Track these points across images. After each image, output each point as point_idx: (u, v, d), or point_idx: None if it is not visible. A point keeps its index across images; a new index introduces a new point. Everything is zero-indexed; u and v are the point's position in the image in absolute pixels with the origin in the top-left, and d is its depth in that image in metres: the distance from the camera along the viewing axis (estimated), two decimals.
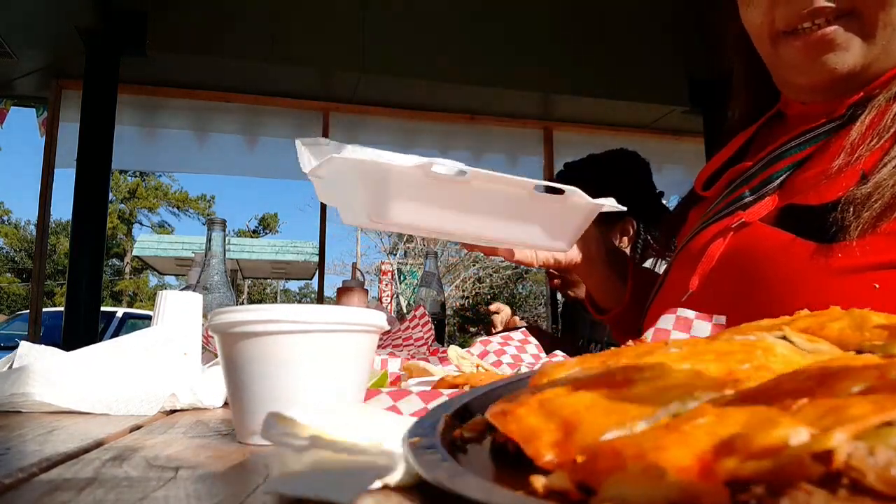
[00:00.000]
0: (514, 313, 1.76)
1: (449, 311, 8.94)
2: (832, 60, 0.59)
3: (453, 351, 0.73)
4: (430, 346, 0.87)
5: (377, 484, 0.22)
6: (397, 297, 9.82)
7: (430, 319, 0.93)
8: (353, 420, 0.26)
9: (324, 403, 0.26)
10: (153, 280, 19.45)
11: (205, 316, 0.80)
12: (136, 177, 19.80)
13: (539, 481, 0.18)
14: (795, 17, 0.59)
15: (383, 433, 0.24)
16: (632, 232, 1.45)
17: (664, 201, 1.56)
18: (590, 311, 0.88)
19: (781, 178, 0.61)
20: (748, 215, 0.61)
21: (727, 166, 0.70)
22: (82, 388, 0.58)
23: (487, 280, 12.82)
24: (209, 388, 0.66)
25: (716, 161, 0.71)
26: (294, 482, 0.22)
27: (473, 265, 12.36)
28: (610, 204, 0.54)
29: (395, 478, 0.22)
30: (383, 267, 9.43)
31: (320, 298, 3.48)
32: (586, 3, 3.07)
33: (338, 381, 0.38)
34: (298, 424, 0.23)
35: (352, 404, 0.27)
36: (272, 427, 0.23)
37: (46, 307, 4.30)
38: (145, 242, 10.46)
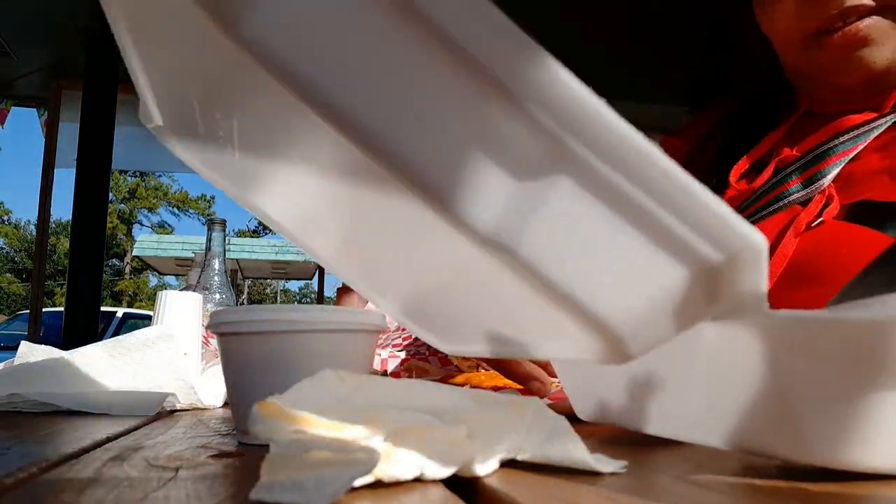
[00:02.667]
0: None
1: None
2: (868, 56, 0.58)
3: None
4: (431, 346, 0.87)
5: (359, 481, 0.22)
6: None
7: None
8: (346, 401, 0.26)
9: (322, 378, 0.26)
10: (153, 280, 19.47)
11: (205, 316, 0.81)
12: (136, 177, 19.82)
13: None
14: (825, 19, 0.58)
15: (375, 415, 0.24)
16: None
17: None
18: None
19: (833, 173, 0.60)
20: (807, 213, 0.59)
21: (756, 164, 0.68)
22: (82, 387, 0.58)
23: None
24: (209, 388, 0.66)
25: (749, 158, 0.69)
26: (276, 488, 0.22)
27: None
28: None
29: (367, 479, 0.22)
30: None
31: (320, 298, 3.49)
32: (586, 3, 3.08)
33: None
34: (284, 413, 0.23)
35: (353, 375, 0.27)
36: (257, 422, 0.23)
37: (46, 307, 4.30)
38: (145, 242, 10.46)
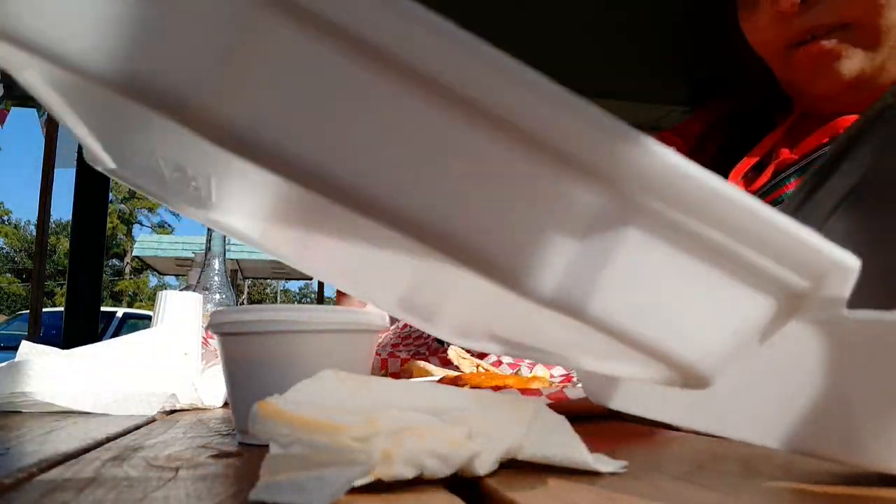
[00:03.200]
0: None
1: None
2: (836, 68, 0.60)
3: (453, 351, 0.73)
4: (431, 345, 0.87)
5: (359, 481, 0.22)
6: None
7: None
8: (346, 401, 0.26)
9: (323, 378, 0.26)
10: (153, 280, 19.48)
11: (205, 316, 0.81)
12: None
13: None
14: (795, 33, 0.61)
15: (375, 416, 0.24)
16: None
17: None
18: None
19: None
20: None
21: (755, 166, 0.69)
22: (82, 387, 0.58)
23: None
24: (209, 388, 0.66)
25: (748, 162, 0.70)
26: (276, 489, 0.22)
27: None
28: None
29: (367, 479, 0.22)
30: None
31: (320, 299, 3.49)
32: (586, 3, 3.07)
33: None
34: (284, 413, 0.23)
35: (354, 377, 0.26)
36: (257, 422, 0.23)
37: (46, 307, 4.29)
38: (145, 243, 10.46)
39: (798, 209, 0.36)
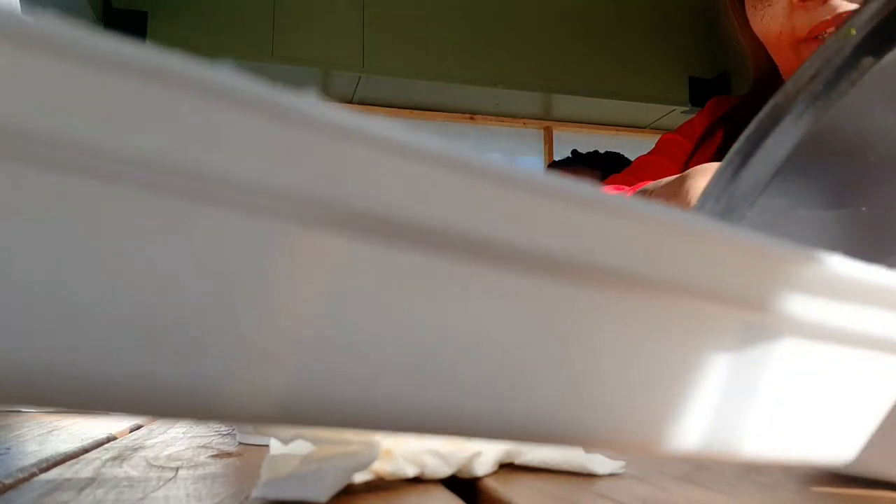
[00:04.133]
0: None
1: None
2: None
3: None
4: None
5: (359, 476, 0.22)
6: None
7: None
8: None
9: None
10: None
11: None
12: None
13: None
14: (818, 25, 0.58)
15: None
16: None
17: None
18: None
19: None
20: None
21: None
22: None
23: None
24: None
25: None
26: (278, 485, 0.22)
27: None
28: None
29: (367, 476, 0.22)
30: None
31: None
32: (587, 3, 3.07)
33: None
34: None
35: None
36: None
37: None
38: None
39: (736, 174, 0.35)
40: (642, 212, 0.13)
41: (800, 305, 0.16)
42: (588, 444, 0.15)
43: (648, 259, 0.14)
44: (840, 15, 0.57)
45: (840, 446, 0.19)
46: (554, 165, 1.62)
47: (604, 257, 0.13)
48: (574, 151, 1.64)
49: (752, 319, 0.16)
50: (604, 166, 1.50)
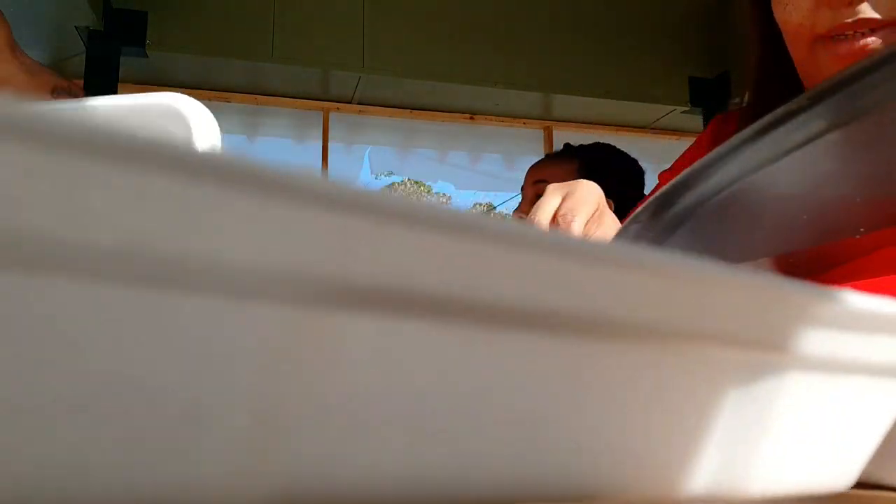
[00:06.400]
0: None
1: None
2: None
3: None
4: None
5: None
6: None
7: None
8: None
9: None
10: None
11: None
12: None
13: None
14: (839, 25, 0.57)
15: None
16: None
17: None
18: None
19: None
20: None
21: None
22: None
23: None
24: None
25: None
26: None
27: None
28: None
29: None
30: None
31: None
32: (587, 3, 3.07)
33: None
34: None
35: None
36: None
37: None
38: None
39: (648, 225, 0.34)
40: (646, 263, 0.13)
41: (804, 341, 0.16)
42: (600, 495, 0.15)
43: (652, 309, 0.13)
44: (860, 21, 0.56)
45: (842, 471, 0.19)
46: (545, 158, 1.61)
47: (608, 311, 0.13)
48: (566, 145, 1.64)
49: (758, 359, 0.16)
50: (587, 159, 1.48)
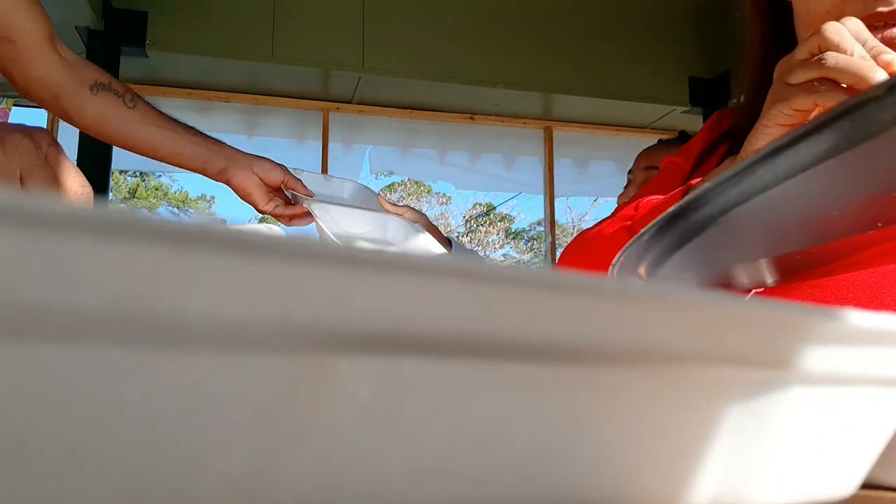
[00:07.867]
0: None
1: None
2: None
3: None
4: None
5: None
6: None
7: None
8: None
9: None
10: None
11: None
12: (136, 177, 19.80)
13: None
14: (871, 15, 0.54)
15: None
16: None
17: None
18: None
19: None
20: None
21: None
22: None
23: None
24: None
25: None
26: None
27: None
28: None
29: None
30: None
31: None
32: (587, 3, 3.07)
33: None
34: None
35: None
36: None
37: None
38: None
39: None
40: (644, 295, 0.13)
41: (805, 358, 0.16)
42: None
43: (659, 336, 0.14)
44: (892, 12, 0.53)
45: (843, 480, 0.19)
46: (658, 143, 1.60)
47: (608, 340, 0.13)
48: (680, 132, 1.61)
49: (759, 376, 0.16)
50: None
